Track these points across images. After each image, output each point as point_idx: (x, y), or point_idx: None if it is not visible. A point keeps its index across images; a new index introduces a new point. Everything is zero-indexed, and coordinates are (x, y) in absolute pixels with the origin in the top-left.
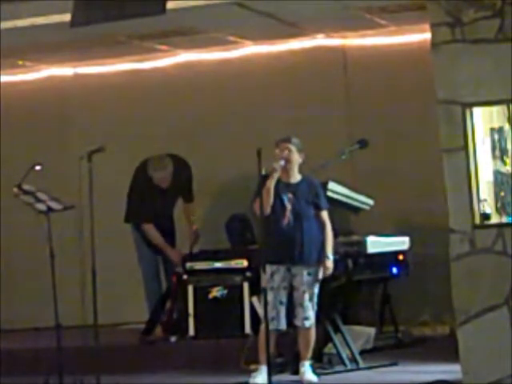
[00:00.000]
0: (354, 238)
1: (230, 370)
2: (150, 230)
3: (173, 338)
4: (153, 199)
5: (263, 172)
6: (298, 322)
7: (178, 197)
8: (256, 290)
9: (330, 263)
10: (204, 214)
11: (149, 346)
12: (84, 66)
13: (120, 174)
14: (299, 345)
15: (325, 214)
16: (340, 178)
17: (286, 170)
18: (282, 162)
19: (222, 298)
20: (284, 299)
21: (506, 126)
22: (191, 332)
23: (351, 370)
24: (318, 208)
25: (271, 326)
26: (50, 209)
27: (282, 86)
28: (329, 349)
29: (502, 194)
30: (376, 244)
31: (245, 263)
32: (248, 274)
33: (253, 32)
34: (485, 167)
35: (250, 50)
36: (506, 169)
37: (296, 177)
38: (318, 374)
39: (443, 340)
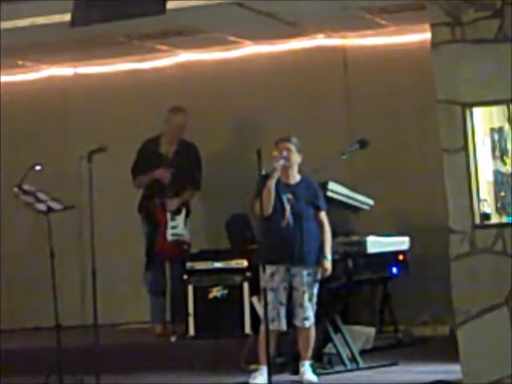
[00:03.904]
0: (354, 238)
1: (230, 370)
2: (139, 179)
3: (173, 338)
4: (152, 165)
5: (263, 172)
6: (297, 323)
7: (181, 174)
8: (256, 290)
9: (328, 264)
10: (204, 213)
11: (149, 346)
12: (84, 66)
13: (120, 173)
14: (299, 345)
15: (323, 215)
16: (340, 178)
17: (285, 170)
18: (282, 161)
19: (222, 298)
20: (284, 299)
21: (506, 126)
22: (191, 332)
23: (351, 370)
24: (317, 208)
25: (271, 327)
26: (50, 209)
27: (282, 85)
28: (329, 349)
29: (502, 193)
30: (376, 244)
31: (245, 263)
32: (248, 273)
33: (253, 32)
34: (485, 167)
35: (250, 49)
36: (506, 169)
37: (295, 177)
38: (317, 374)
39: (443, 340)
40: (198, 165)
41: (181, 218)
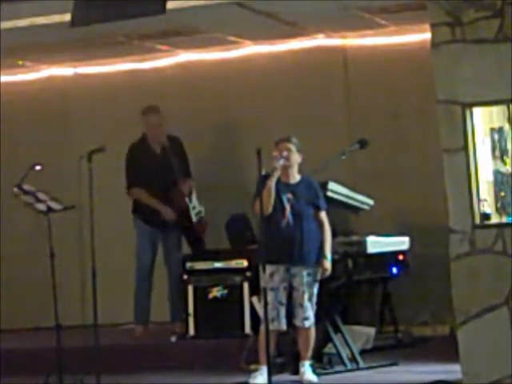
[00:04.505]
0: (354, 238)
1: (230, 370)
2: (140, 193)
3: (173, 338)
4: (146, 167)
5: (263, 172)
6: (297, 322)
7: (174, 168)
8: (256, 290)
9: (328, 264)
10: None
11: (149, 346)
12: (84, 66)
13: (120, 173)
14: (299, 345)
15: (323, 215)
16: (340, 178)
17: (285, 170)
18: (282, 161)
19: (221, 298)
20: (284, 299)
21: (506, 126)
22: (191, 332)
23: (351, 370)
24: (317, 208)
25: (271, 327)
26: (50, 209)
27: (282, 86)
28: (329, 349)
29: (502, 193)
30: (376, 244)
31: (245, 263)
32: (248, 273)
33: (253, 32)
34: (485, 167)
35: (250, 49)
36: (506, 169)
37: (295, 177)
38: (317, 374)
39: (443, 340)
40: (185, 155)
41: (194, 197)
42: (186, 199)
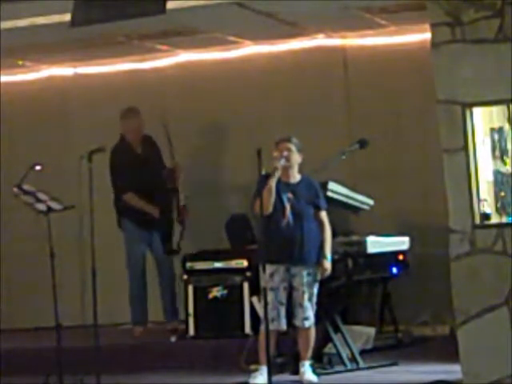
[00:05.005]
0: (354, 238)
1: (230, 370)
2: (131, 198)
3: (173, 338)
4: (131, 169)
5: (263, 172)
6: (297, 322)
7: (157, 168)
8: (256, 290)
9: (327, 264)
10: (204, 214)
11: (149, 346)
12: (84, 66)
13: None
14: (299, 345)
15: (324, 214)
16: (340, 178)
17: (285, 170)
18: (283, 161)
19: (222, 298)
20: (284, 299)
21: (506, 126)
22: (191, 332)
23: (351, 370)
24: (318, 208)
25: (271, 327)
26: (49, 209)
27: (282, 85)
28: (329, 349)
29: (502, 193)
30: (376, 244)
31: (245, 263)
32: (248, 273)
33: (253, 32)
34: (485, 167)
35: (250, 49)
36: (506, 169)
37: (296, 177)
38: (317, 374)
39: (443, 340)
40: (159, 149)
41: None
42: (177, 184)
